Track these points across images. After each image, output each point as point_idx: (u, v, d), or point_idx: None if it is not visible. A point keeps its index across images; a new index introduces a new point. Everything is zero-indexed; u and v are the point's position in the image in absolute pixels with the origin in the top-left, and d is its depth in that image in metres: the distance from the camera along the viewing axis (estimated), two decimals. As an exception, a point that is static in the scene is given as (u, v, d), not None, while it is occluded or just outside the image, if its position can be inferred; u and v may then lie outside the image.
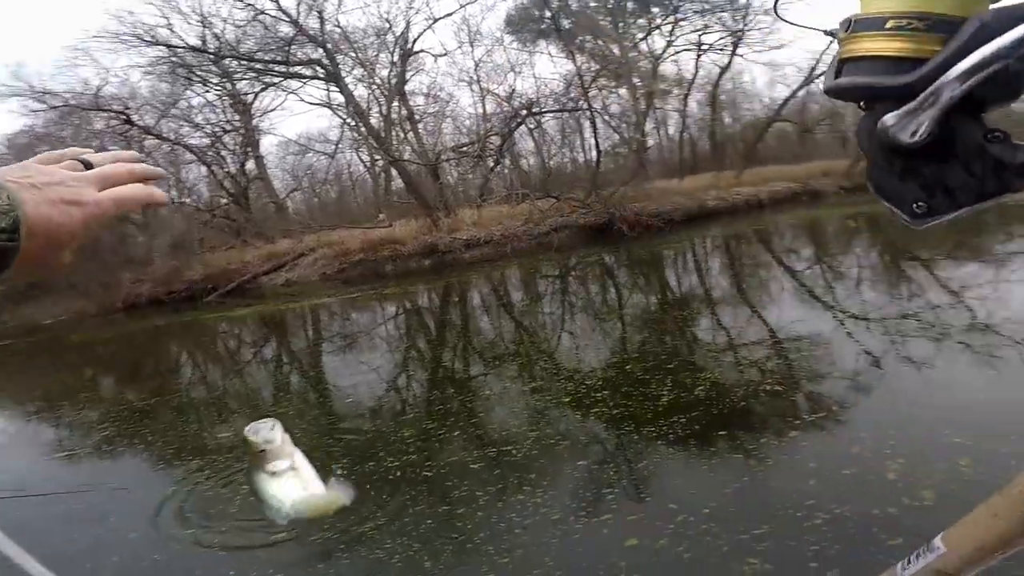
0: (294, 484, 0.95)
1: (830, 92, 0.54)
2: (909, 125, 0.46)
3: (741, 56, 24.16)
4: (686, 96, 24.73)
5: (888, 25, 0.47)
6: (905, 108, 0.46)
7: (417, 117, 20.52)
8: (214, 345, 11.14)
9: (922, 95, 0.45)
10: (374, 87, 20.29)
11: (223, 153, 21.85)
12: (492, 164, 19.48)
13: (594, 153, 17.88)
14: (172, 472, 5.06)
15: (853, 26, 0.50)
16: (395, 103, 20.08)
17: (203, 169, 22.00)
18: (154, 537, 3.77)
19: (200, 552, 3.57)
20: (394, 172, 20.57)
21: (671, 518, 3.20)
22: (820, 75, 22.89)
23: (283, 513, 0.94)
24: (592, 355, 6.72)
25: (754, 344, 6.08)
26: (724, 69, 24.58)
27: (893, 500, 2.93)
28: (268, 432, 0.96)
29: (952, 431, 3.58)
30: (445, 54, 22.09)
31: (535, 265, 12.83)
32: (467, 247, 15.46)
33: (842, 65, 0.51)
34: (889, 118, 0.48)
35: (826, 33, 0.58)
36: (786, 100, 24.52)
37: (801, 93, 24.48)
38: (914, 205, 0.51)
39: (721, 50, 24.17)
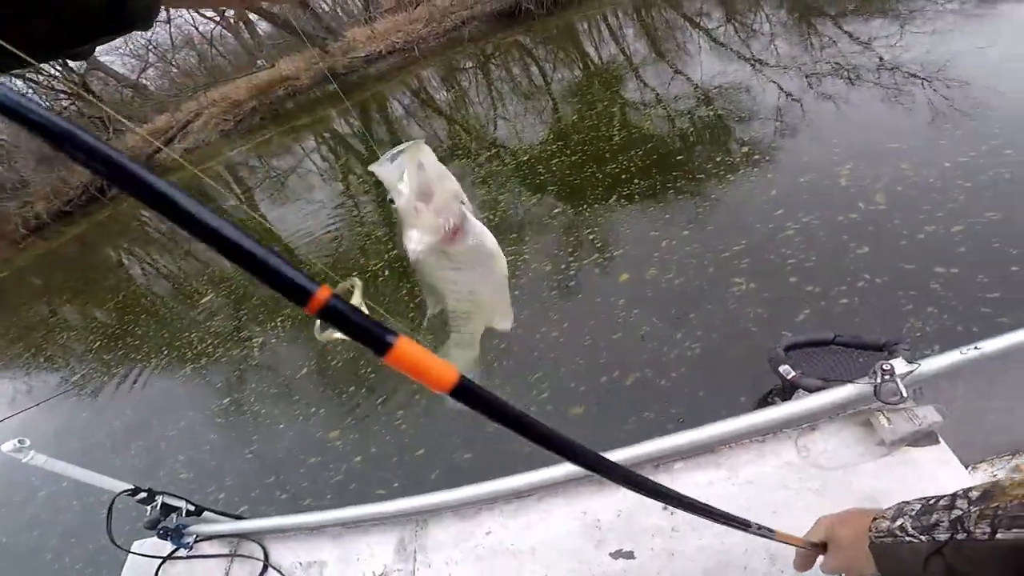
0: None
1: None
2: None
3: None
4: None
5: None
6: None
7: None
8: (144, 233, 10.25)
9: None
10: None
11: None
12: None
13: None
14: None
15: None
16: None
17: (19, 83, 18.15)
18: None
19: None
20: (254, 16, 17.67)
21: (655, 245, 3.34)
22: None
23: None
24: (537, 125, 6.56)
25: (682, 94, 6.03)
26: None
27: (852, 206, 3.13)
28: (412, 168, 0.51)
29: (886, 139, 3.75)
30: None
31: (451, 61, 11.86)
32: (369, 62, 14.08)
33: None
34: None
35: None
36: None
37: None
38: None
39: None
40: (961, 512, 0.57)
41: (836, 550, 0.71)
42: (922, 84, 4.86)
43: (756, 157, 4.03)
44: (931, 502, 0.61)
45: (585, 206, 4.12)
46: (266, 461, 3.23)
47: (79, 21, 0.37)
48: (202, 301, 5.77)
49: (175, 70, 23.05)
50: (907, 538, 0.60)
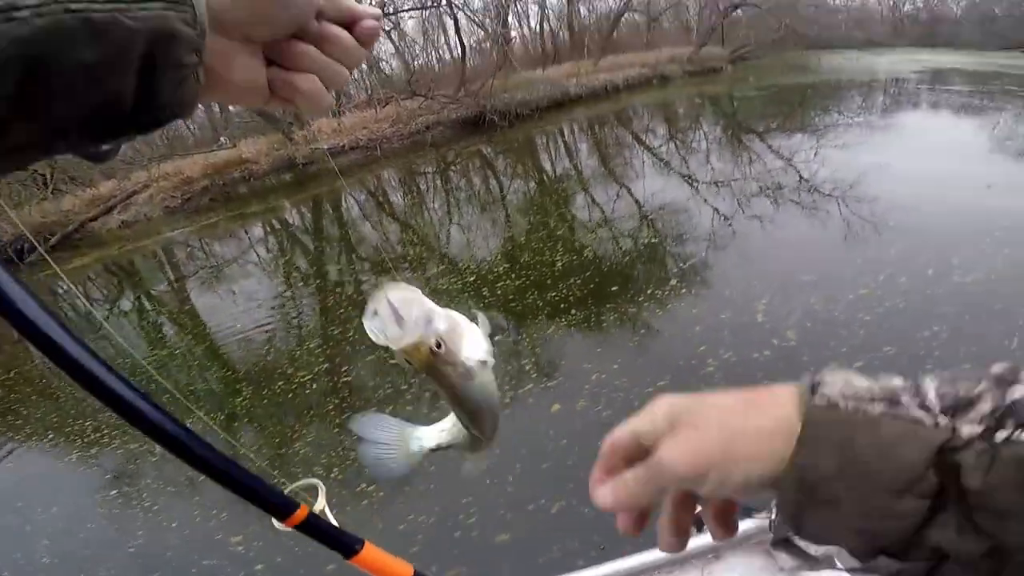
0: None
1: None
2: None
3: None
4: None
5: None
6: None
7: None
8: (55, 306, 9.59)
9: None
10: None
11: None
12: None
13: (459, 51, 17.11)
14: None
15: None
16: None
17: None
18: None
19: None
20: None
21: (586, 378, 3.49)
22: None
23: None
24: (489, 237, 6.82)
25: (626, 215, 6.52)
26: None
27: (766, 342, 3.42)
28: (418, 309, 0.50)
29: (800, 270, 4.24)
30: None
31: (412, 164, 12.39)
32: (331, 156, 14.49)
33: None
34: None
35: None
36: (634, -11, 24.81)
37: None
38: None
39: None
40: None
41: (685, 431, 0.36)
42: (836, 202, 5.53)
43: (684, 290, 4.33)
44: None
45: (525, 334, 4.23)
46: (150, 558, 2.97)
47: (105, 113, 0.33)
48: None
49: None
50: (911, 411, 0.33)
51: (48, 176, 17.28)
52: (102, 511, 3.49)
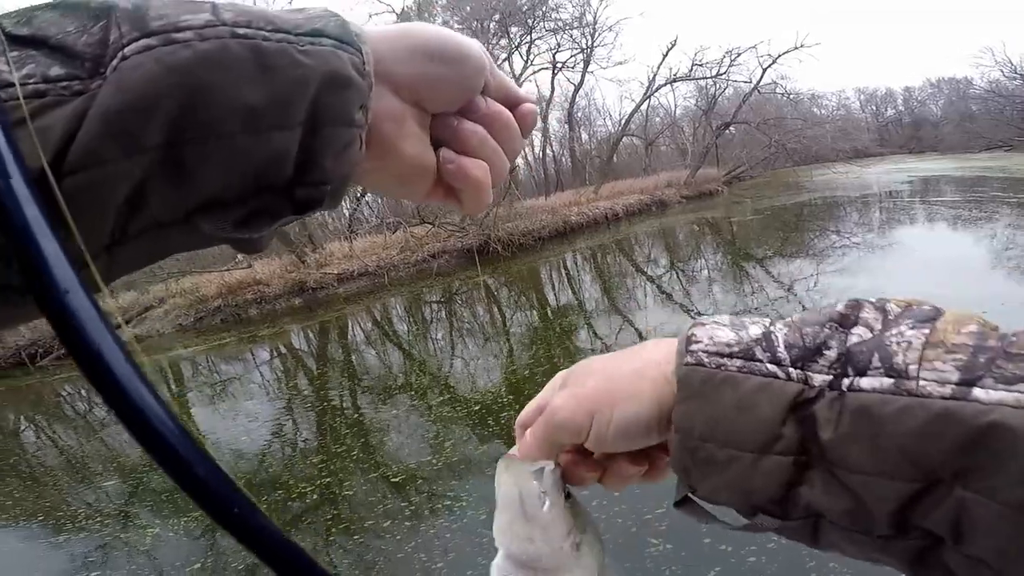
0: None
1: None
2: None
3: (592, 73, 26.12)
4: (545, 116, 26.16)
5: None
6: None
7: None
8: (59, 410, 9.58)
9: None
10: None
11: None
12: (359, 194, 18.99)
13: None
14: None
15: None
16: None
17: None
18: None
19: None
20: None
21: (586, 503, 3.43)
22: (659, 88, 25.53)
23: None
24: (492, 369, 6.85)
25: (629, 345, 6.59)
26: (578, 87, 26.43)
27: None
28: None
29: None
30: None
31: (417, 292, 12.72)
32: (340, 281, 14.87)
33: None
34: None
35: None
36: (631, 114, 26.72)
37: (644, 107, 26.98)
38: None
39: (572, 68, 25.97)
40: (878, 334, 0.31)
41: (573, 384, 0.38)
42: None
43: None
44: (822, 311, 0.34)
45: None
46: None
47: (266, 180, 0.26)
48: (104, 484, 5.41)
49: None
50: (765, 366, 0.32)
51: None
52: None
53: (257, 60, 0.24)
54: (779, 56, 23.50)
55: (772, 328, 0.34)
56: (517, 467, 0.40)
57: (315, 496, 4.37)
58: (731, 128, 26.28)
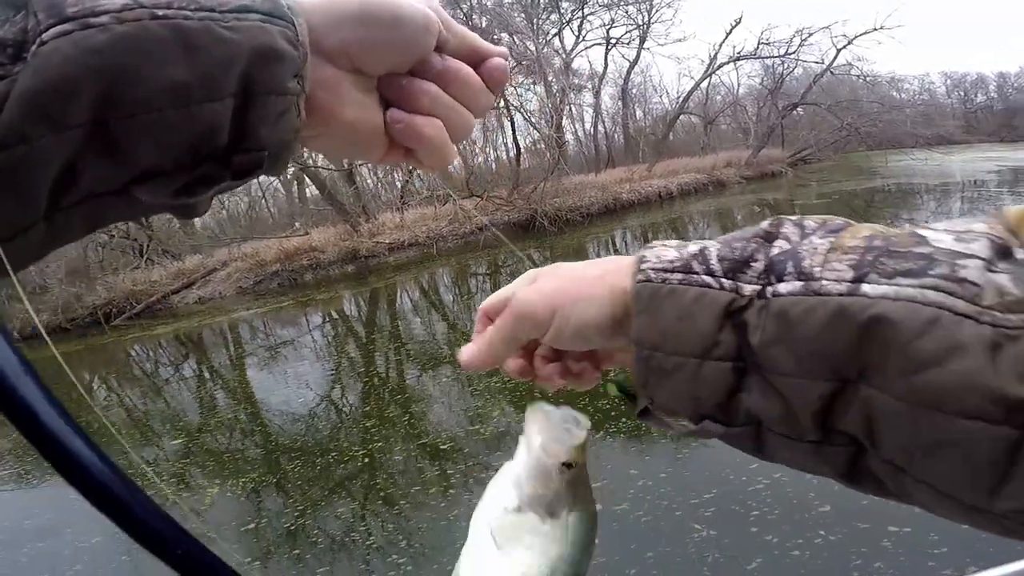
0: None
1: None
2: None
3: (648, 50, 25.26)
4: (597, 92, 25.53)
5: None
6: None
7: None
8: (129, 368, 10.31)
9: None
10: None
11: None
12: (411, 168, 19.12)
13: (514, 152, 18.06)
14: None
15: None
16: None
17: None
18: None
19: None
20: (308, 179, 19.79)
21: (632, 483, 3.48)
22: (720, 66, 24.45)
23: None
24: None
25: None
26: (632, 63, 25.62)
27: None
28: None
29: None
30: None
31: (464, 264, 12.84)
32: (391, 250, 15.20)
33: None
34: None
35: None
36: (689, 92, 25.76)
37: (704, 85, 25.91)
38: None
39: (628, 44, 25.16)
40: (794, 245, 0.34)
41: (539, 281, 0.41)
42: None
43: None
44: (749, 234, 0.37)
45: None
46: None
47: (198, 151, 0.28)
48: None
49: (224, 212, 24.76)
50: (701, 277, 0.35)
51: (144, 246, 18.98)
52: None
53: (178, 39, 0.25)
54: (855, 37, 21.93)
55: (707, 245, 0.37)
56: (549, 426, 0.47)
57: (362, 461, 4.50)
58: (799, 109, 24.92)
